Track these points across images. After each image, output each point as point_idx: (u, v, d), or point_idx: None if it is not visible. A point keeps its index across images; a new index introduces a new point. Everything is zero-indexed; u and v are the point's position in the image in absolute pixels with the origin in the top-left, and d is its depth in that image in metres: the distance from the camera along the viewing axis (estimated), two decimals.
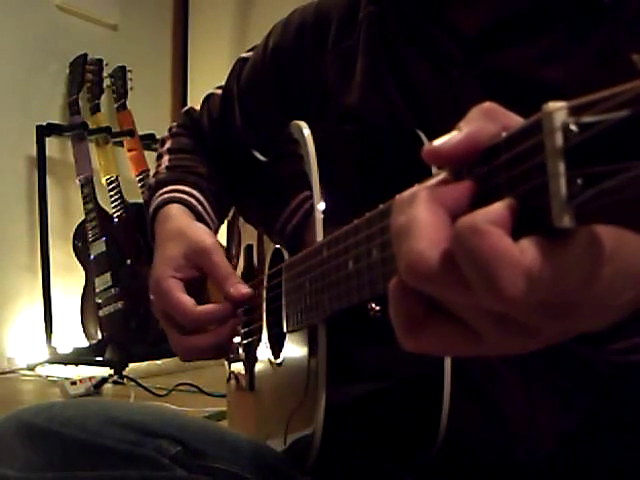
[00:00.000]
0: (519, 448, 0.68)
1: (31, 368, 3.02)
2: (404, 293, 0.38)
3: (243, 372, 0.94)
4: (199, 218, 0.89)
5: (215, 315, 0.78)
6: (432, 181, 0.38)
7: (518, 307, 0.34)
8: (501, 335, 0.36)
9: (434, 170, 0.50)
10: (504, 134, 0.35)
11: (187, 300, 0.79)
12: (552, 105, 0.31)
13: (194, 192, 0.90)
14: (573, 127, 0.30)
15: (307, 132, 0.73)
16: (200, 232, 0.84)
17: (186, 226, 0.85)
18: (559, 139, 0.30)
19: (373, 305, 0.61)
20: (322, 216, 0.67)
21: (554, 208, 0.31)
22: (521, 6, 0.70)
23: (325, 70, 0.84)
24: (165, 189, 0.91)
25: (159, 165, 0.98)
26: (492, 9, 0.71)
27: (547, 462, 0.68)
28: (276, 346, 0.79)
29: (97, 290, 3.03)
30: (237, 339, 0.92)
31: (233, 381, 0.99)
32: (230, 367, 0.99)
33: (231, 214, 1.02)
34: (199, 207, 0.89)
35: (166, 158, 0.97)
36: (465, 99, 0.71)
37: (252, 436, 0.86)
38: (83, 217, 3.09)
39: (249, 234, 0.94)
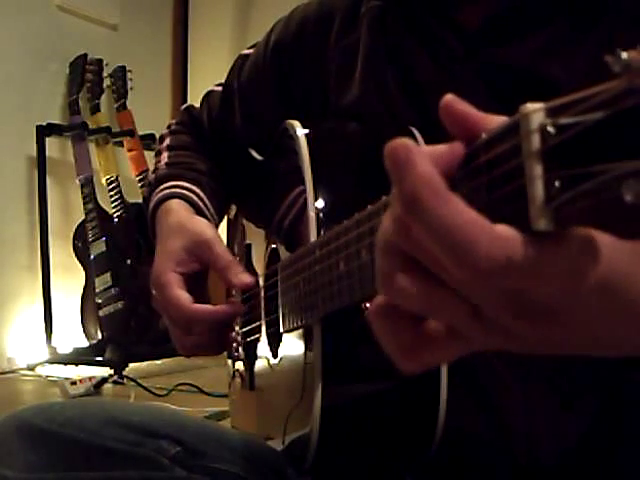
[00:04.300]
0: (519, 448, 0.68)
1: (31, 368, 3.02)
2: (389, 314, 0.38)
3: (244, 371, 0.95)
4: (199, 213, 0.89)
5: (210, 315, 0.78)
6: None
7: (488, 288, 0.34)
8: (479, 327, 0.36)
9: None
10: (484, 135, 0.34)
11: (183, 296, 0.79)
12: (530, 106, 0.31)
13: (194, 188, 0.90)
14: (550, 129, 0.30)
15: (300, 131, 0.73)
16: (200, 224, 0.84)
17: (186, 219, 0.85)
18: (536, 141, 0.30)
19: (367, 304, 0.61)
20: (316, 215, 0.67)
21: (532, 211, 0.31)
22: (521, 0, 0.70)
23: (327, 67, 0.84)
24: (165, 185, 0.91)
25: (158, 161, 0.97)
26: (493, 3, 0.71)
27: (548, 462, 0.68)
28: (274, 345, 0.79)
29: (97, 290, 3.03)
30: (237, 337, 0.92)
31: (235, 380, 0.99)
32: (234, 366, 1.00)
33: (234, 213, 1.02)
34: (199, 203, 0.89)
35: (165, 155, 0.97)
36: (466, 94, 0.71)
37: (253, 436, 0.86)
38: (83, 217, 3.09)
39: (253, 233, 0.94)
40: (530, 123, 0.30)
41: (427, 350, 0.38)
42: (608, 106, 0.28)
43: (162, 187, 0.91)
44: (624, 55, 0.27)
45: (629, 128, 0.27)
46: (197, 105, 1.02)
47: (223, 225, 0.99)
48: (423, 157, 0.34)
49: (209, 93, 1.00)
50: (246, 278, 0.79)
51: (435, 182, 0.33)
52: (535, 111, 0.31)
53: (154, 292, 0.82)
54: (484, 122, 0.36)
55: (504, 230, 0.33)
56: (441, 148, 0.36)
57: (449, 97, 0.37)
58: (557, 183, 0.30)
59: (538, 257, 0.32)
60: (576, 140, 0.29)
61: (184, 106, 1.05)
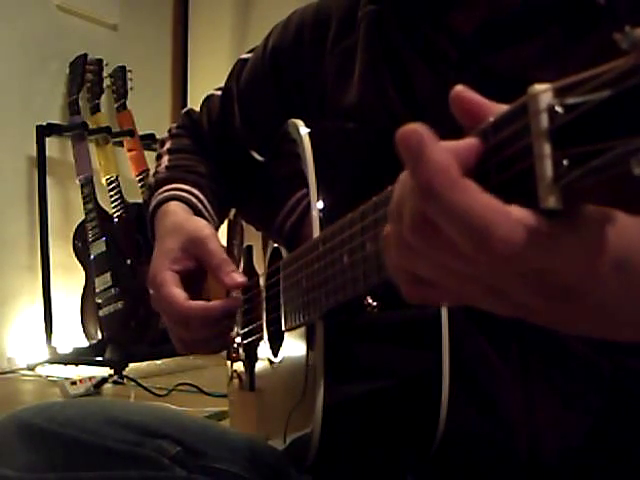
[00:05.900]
0: (520, 446, 0.68)
1: (31, 368, 3.02)
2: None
3: (244, 372, 0.94)
4: (198, 215, 0.89)
5: (205, 311, 0.78)
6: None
7: (506, 270, 0.34)
8: (492, 300, 0.37)
9: None
10: (491, 118, 0.35)
11: (178, 294, 0.79)
12: (537, 87, 0.31)
13: (194, 190, 0.91)
14: (558, 108, 0.30)
15: (304, 131, 0.73)
16: (197, 223, 0.85)
17: (184, 219, 0.86)
18: (544, 121, 0.31)
19: (370, 301, 0.61)
20: (319, 214, 0.67)
21: (540, 189, 0.31)
22: (516, 7, 0.70)
23: (324, 70, 0.84)
24: (165, 187, 0.91)
25: (159, 165, 0.98)
26: (487, 10, 0.71)
27: (549, 461, 0.68)
28: (275, 345, 0.79)
29: (97, 290, 3.03)
30: (237, 338, 0.92)
31: (235, 381, 0.99)
32: (232, 367, 1.00)
33: (233, 215, 1.02)
34: (199, 205, 0.90)
35: (166, 158, 0.98)
36: None
37: (254, 435, 0.86)
38: (83, 217, 3.09)
39: (252, 235, 0.95)
40: (538, 103, 0.31)
41: (434, 290, 0.39)
42: (615, 84, 0.28)
43: (162, 190, 0.91)
44: (632, 32, 0.27)
45: (637, 105, 0.27)
46: (197, 109, 1.03)
47: (223, 227, 0.99)
48: (436, 143, 0.34)
49: (209, 97, 1.01)
50: (237, 277, 0.79)
51: (450, 168, 0.33)
52: (543, 91, 0.31)
53: (151, 291, 0.82)
54: (493, 110, 0.36)
55: (519, 212, 0.33)
56: (458, 142, 0.36)
57: (459, 87, 0.37)
58: (565, 161, 0.30)
59: (554, 237, 0.33)
60: (584, 118, 0.29)
61: (184, 110, 1.06)
